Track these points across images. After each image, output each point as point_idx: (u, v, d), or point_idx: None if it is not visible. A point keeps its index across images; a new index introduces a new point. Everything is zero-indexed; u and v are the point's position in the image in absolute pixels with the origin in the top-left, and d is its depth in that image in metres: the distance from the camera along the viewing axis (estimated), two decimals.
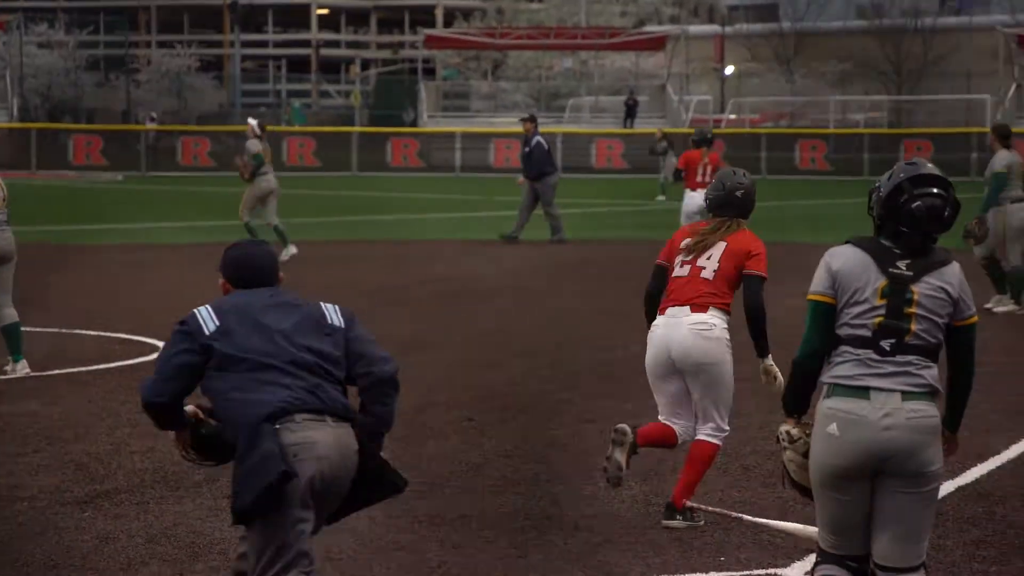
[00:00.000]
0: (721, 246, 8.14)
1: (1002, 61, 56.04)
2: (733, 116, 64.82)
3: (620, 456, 8.10)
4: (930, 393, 5.57)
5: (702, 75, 77.25)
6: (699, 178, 18.73)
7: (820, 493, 5.70)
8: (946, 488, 8.64)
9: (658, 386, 8.34)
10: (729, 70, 74.47)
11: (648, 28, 73.69)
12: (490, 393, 11.68)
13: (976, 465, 9.33)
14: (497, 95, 63.61)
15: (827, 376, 5.67)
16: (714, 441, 8.26)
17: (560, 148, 51.03)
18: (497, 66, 68.48)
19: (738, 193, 8.30)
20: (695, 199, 18.58)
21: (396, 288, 18.95)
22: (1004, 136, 16.11)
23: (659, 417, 8.36)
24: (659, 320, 8.23)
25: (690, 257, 8.16)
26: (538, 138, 25.51)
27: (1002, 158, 15.87)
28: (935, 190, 5.62)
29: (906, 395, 5.52)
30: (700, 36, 77.66)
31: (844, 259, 5.67)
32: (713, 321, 8.10)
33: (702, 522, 8.05)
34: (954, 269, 5.66)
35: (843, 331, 5.63)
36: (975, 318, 5.72)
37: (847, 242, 5.75)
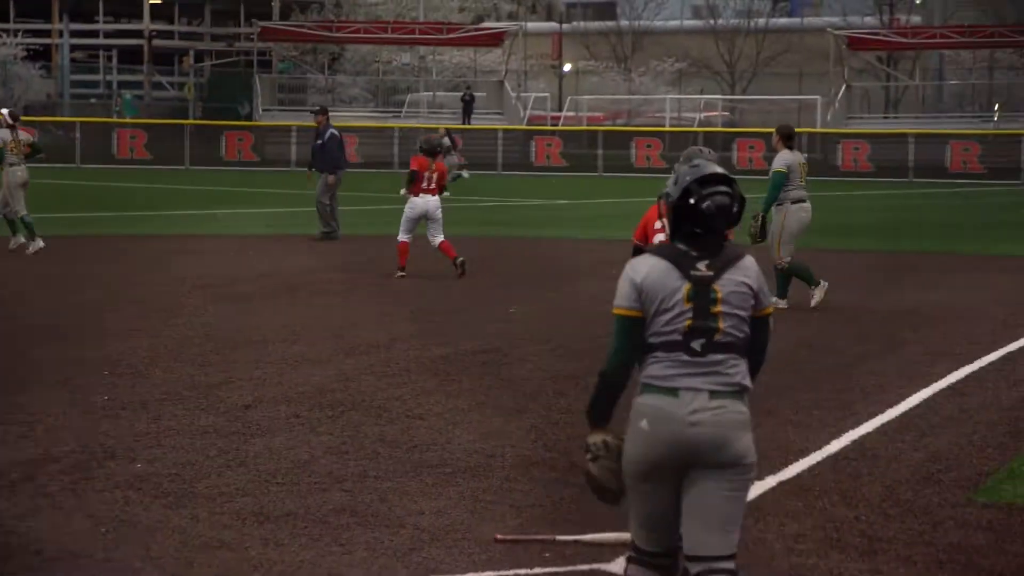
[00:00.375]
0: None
1: (832, 62, 57.11)
2: (571, 113, 65.20)
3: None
4: (738, 391, 5.70)
5: (540, 72, 77.63)
6: (424, 184, 18.90)
7: (634, 487, 5.80)
8: (766, 483, 8.78)
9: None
10: (567, 67, 74.93)
11: (486, 24, 73.75)
12: (319, 390, 11.58)
13: (797, 460, 9.47)
14: (334, 89, 63.19)
15: (641, 376, 5.77)
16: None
17: (397, 143, 50.93)
18: (334, 60, 68.00)
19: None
20: (418, 204, 18.86)
21: (224, 282, 18.70)
22: (787, 136, 16.47)
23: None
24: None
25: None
26: (332, 131, 25.43)
27: (783, 158, 16.23)
28: (722, 188, 5.77)
29: (714, 394, 5.66)
30: (538, 33, 77.98)
31: (646, 270, 5.76)
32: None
33: None
34: (750, 262, 5.81)
35: (655, 339, 5.72)
36: (771, 308, 5.91)
37: (645, 253, 5.85)
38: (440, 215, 18.98)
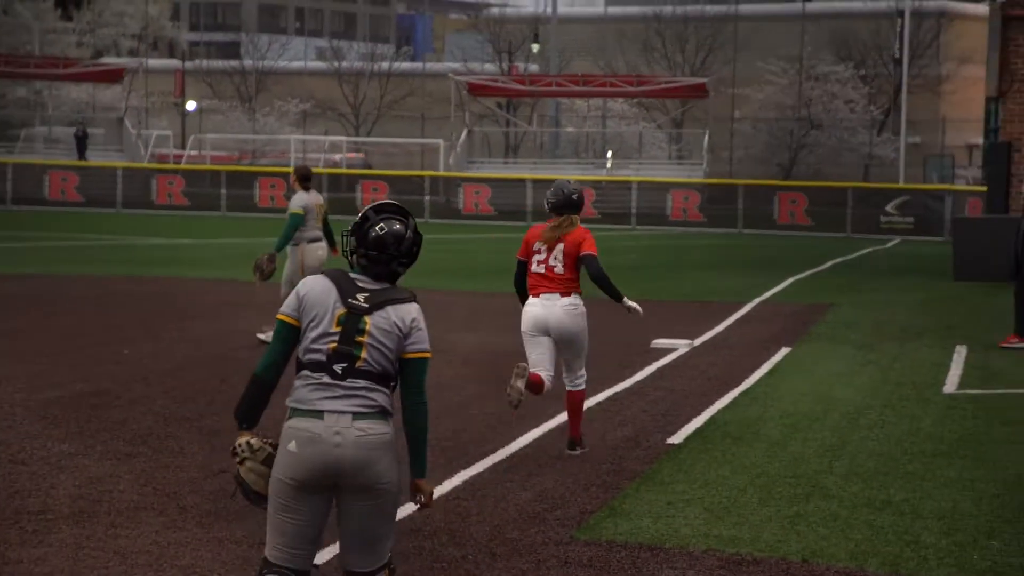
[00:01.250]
0: (560, 247, 11.04)
1: (454, 107, 58.12)
2: (194, 152, 64.29)
3: (521, 384, 10.64)
4: (380, 413, 6.00)
5: (163, 110, 76.38)
6: None
7: (278, 506, 6.02)
8: None
9: (533, 345, 11.27)
10: (191, 106, 73.93)
11: (105, 60, 72.11)
12: None
13: (407, 502, 9.51)
14: None
15: (290, 400, 6.05)
16: (581, 388, 11.37)
17: (10, 179, 49.17)
18: None
19: (574, 196, 11.19)
20: None
21: None
22: (304, 178, 16.95)
23: (532, 368, 11.06)
24: (535, 301, 11.16)
25: (543, 258, 11.11)
26: None
27: (299, 199, 16.67)
28: (397, 216, 6.23)
29: (356, 415, 5.95)
30: (161, 70, 76.76)
31: (312, 286, 6.15)
32: (577, 302, 11.18)
33: (587, 449, 11.22)
34: (411, 308, 6.14)
35: (305, 356, 6.06)
36: (426, 355, 6.16)
37: (322, 273, 6.20)
38: None
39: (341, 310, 6.05)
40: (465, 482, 10.16)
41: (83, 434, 11.40)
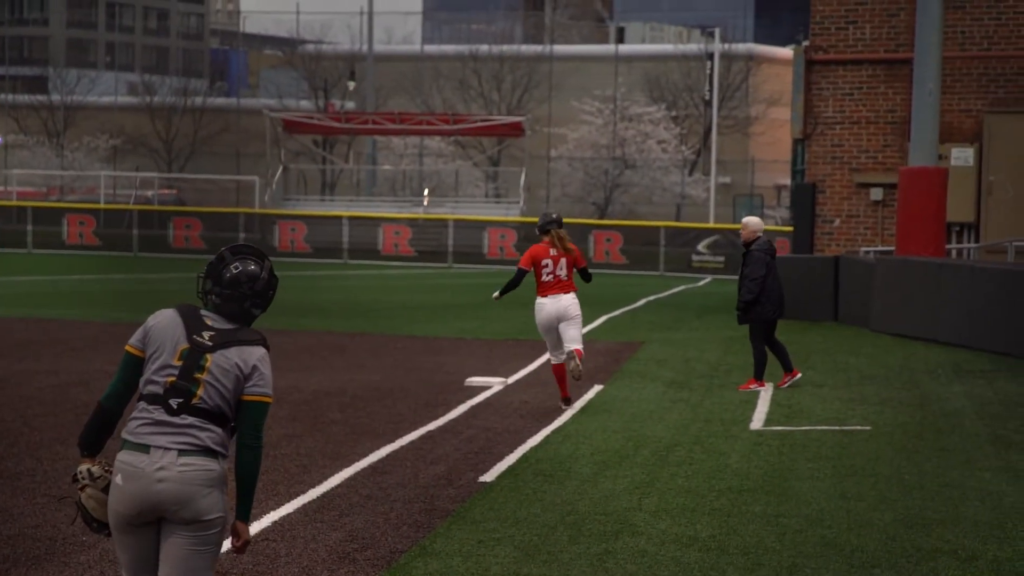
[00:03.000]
0: (564, 261, 15.47)
1: (269, 143, 57.72)
2: (0, 188, 62.85)
3: (575, 364, 15.35)
4: (205, 450, 6.03)
5: None
6: None
7: (116, 538, 6.13)
8: None
9: (550, 334, 15.56)
10: None
11: None
12: None
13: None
14: None
15: (124, 431, 6.12)
16: (580, 347, 15.52)
17: None
18: None
19: (555, 216, 15.87)
20: None
21: None
22: None
23: (549, 353, 15.79)
24: (544, 300, 15.47)
25: (551, 269, 15.45)
26: None
27: None
28: (252, 257, 6.35)
29: (182, 452, 5.99)
30: None
31: (160, 319, 6.21)
32: (576, 298, 15.65)
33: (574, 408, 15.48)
34: (257, 351, 6.22)
35: (145, 387, 6.12)
36: (266, 399, 6.19)
37: (172, 308, 6.27)
38: None
39: (184, 345, 6.11)
40: (274, 523, 10.04)
41: None
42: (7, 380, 16.69)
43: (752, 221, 17.68)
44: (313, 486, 11.32)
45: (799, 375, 17.85)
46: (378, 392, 16.80)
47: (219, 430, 6.07)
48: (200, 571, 6.06)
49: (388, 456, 12.71)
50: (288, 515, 10.30)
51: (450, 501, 10.92)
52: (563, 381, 15.72)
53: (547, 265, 15.43)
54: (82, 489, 6.20)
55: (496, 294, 16.03)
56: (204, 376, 6.07)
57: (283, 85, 76.20)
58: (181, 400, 6.04)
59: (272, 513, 10.32)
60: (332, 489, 11.26)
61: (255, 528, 9.85)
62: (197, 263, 41.23)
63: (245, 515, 6.22)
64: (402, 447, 13.16)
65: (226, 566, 8.80)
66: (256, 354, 6.19)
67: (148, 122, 74.69)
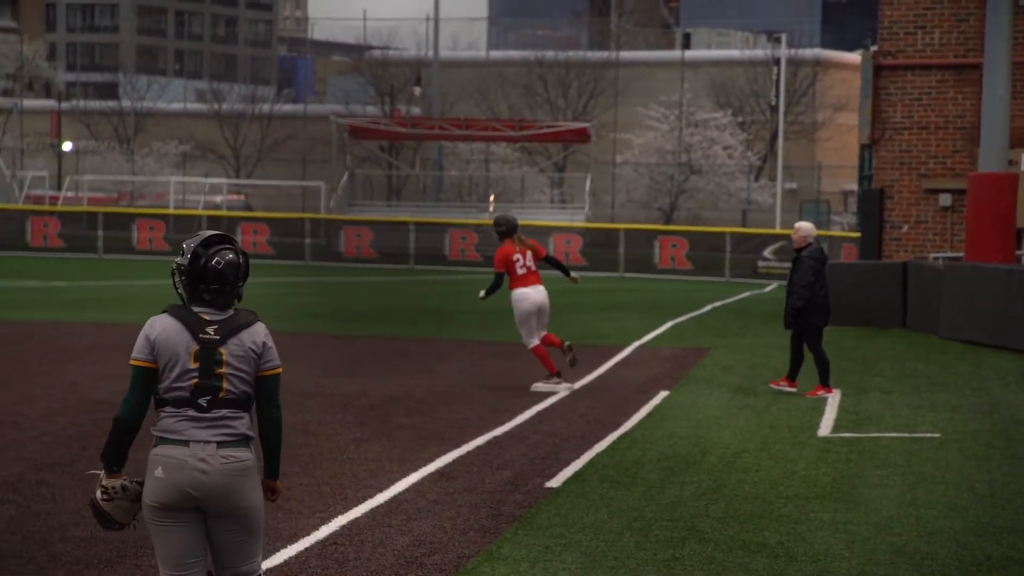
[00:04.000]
0: (529, 253, 17.62)
1: (335, 149, 57.99)
2: (71, 193, 63.51)
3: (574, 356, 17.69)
4: (241, 439, 6.31)
5: (38, 150, 75.38)
6: None
7: (157, 531, 6.28)
8: None
9: (530, 320, 17.55)
10: (67, 146, 73.07)
11: None
12: None
13: (286, 547, 9.45)
14: None
15: (155, 429, 6.29)
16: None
17: None
18: None
19: (514, 220, 18.03)
20: None
21: None
22: None
23: (525, 339, 17.73)
24: (528, 290, 17.50)
25: (523, 262, 17.49)
26: None
27: None
28: (227, 246, 6.43)
29: (221, 444, 6.24)
30: (36, 111, 75.85)
31: (160, 328, 6.33)
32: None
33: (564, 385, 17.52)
34: (261, 329, 6.44)
35: (167, 394, 6.26)
36: (278, 370, 6.48)
37: (165, 311, 6.39)
38: None
39: (195, 347, 6.27)
40: (342, 527, 10.09)
41: None
42: (78, 384, 16.87)
43: (803, 226, 17.56)
44: (381, 490, 11.36)
45: (795, 389, 17.59)
46: (444, 397, 16.84)
47: (246, 415, 6.36)
48: (253, 556, 6.40)
49: (455, 461, 12.74)
50: (356, 519, 10.35)
51: (517, 506, 10.93)
52: (548, 359, 17.56)
53: (518, 260, 17.54)
54: (110, 500, 6.40)
55: (482, 294, 17.95)
56: (224, 369, 6.28)
57: (350, 91, 76.55)
58: (209, 397, 6.26)
59: (340, 517, 10.37)
60: (400, 494, 11.30)
61: (324, 531, 9.91)
62: (264, 268, 41.53)
63: (276, 474, 6.59)
64: (468, 452, 13.19)
65: (295, 569, 8.86)
66: (261, 331, 6.43)
67: (217, 128, 75.28)
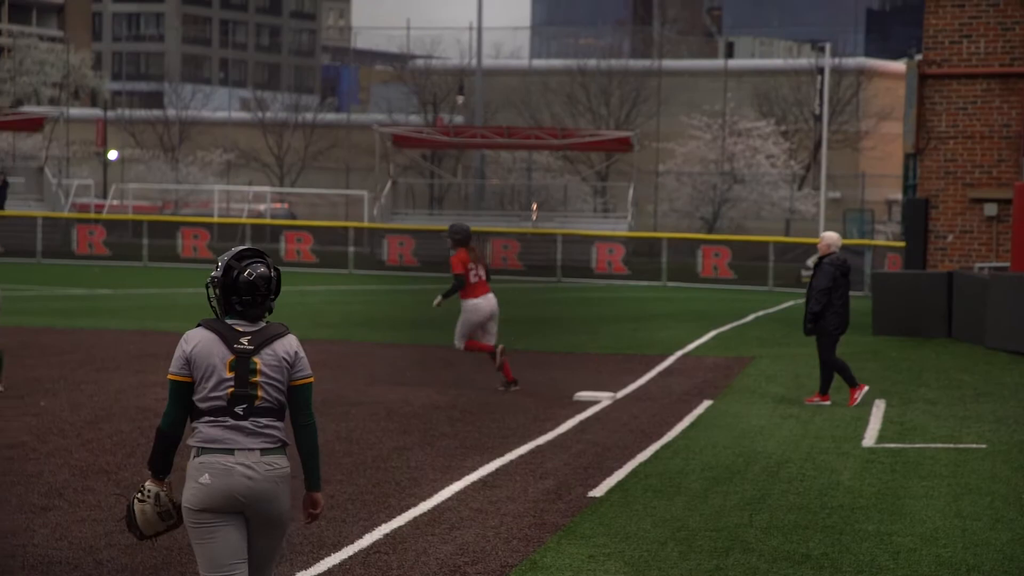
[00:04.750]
0: (480, 264, 18.06)
1: (379, 158, 58.13)
2: (116, 202, 63.87)
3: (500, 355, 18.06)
4: (282, 447, 6.53)
5: (84, 159, 75.85)
6: None
7: (197, 534, 6.44)
8: None
9: (478, 328, 18.12)
10: (113, 155, 73.50)
11: (25, 108, 71.56)
12: None
13: (329, 555, 9.47)
14: None
15: (196, 441, 6.47)
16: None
17: None
18: None
19: (468, 229, 18.39)
20: None
21: None
22: None
23: (485, 339, 18.22)
24: (479, 300, 18.04)
25: (476, 270, 17.96)
26: None
27: None
28: (259, 260, 6.63)
29: (264, 451, 6.45)
30: (82, 119, 76.32)
31: (196, 342, 6.54)
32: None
33: (518, 387, 18.18)
34: (291, 340, 6.64)
35: (204, 404, 6.46)
36: (311, 379, 6.67)
37: (199, 325, 6.58)
38: None
39: (230, 357, 6.48)
40: (385, 535, 10.10)
41: None
42: (124, 392, 16.95)
43: (828, 235, 17.83)
44: (424, 499, 11.38)
45: (828, 402, 17.52)
46: (487, 406, 16.84)
47: (281, 423, 6.55)
48: (273, 560, 6.62)
49: (498, 470, 12.74)
50: (399, 528, 10.37)
51: (560, 515, 10.93)
52: (481, 344, 18.26)
53: (472, 268, 18.03)
54: (142, 501, 6.61)
55: (438, 300, 18.49)
56: (258, 379, 6.48)
57: (393, 100, 76.70)
58: (245, 406, 6.46)
59: (383, 525, 10.39)
60: (443, 502, 11.31)
61: (367, 539, 9.93)
62: (307, 276, 41.65)
63: (318, 485, 6.73)
64: (511, 461, 13.19)
65: None
66: (293, 343, 6.61)
67: (260, 137, 75.56)
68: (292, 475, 6.62)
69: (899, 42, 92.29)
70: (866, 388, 17.52)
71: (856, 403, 17.21)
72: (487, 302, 18.08)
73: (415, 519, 10.68)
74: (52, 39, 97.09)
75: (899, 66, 62.15)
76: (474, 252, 18.08)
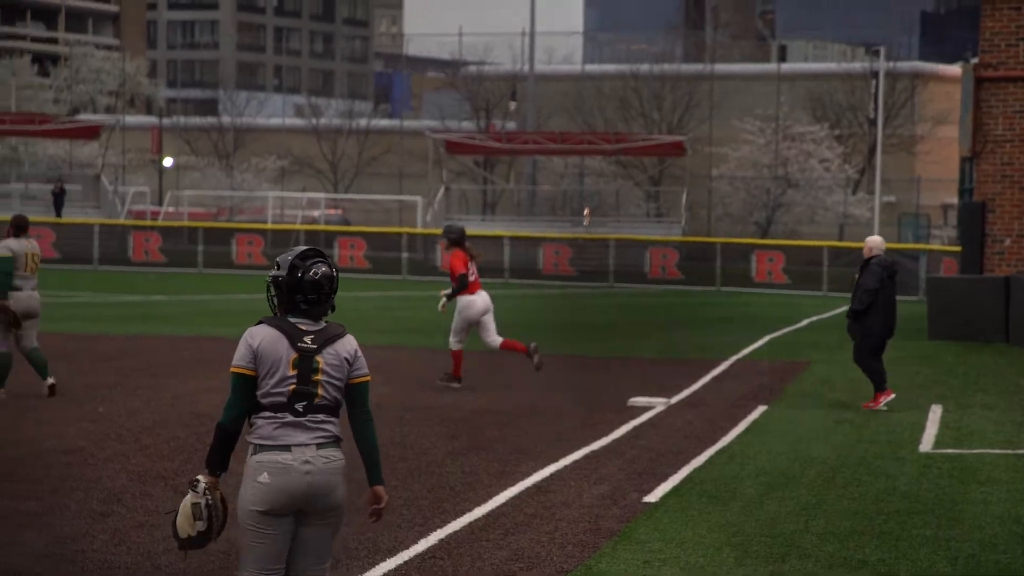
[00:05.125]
0: (474, 264, 18.51)
1: (431, 164, 58.25)
2: (171, 208, 64.29)
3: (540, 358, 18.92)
4: (335, 440, 6.64)
5: (139, 166, 76.38)
6: None
7: (252, 533, 6.54)
8: None
9: (472, 325, 18.62)
10: (168, 162, 73.99)
11: (82, 116, 72.16)
12: None
13: (385, 560, 9.49)
14: None
15: (252, 437, 6.58)
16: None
17: None
18: None
19: (463, 228, 19.03)
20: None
21: None
22: (18, 227, 16.69)
23: (454, 340, 18.80)
24: (474, 297, 18.52)
25: (474, 269, 18.51)
26: None
27: (7, 244, 16.49)
28: (321, 259, 6.75)
29: (320, 445, 6.57)
30: (137, 127, 76.86)
31: (261, 337, 6.65)
32: None
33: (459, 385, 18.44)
34: (350, 340, 6.76)
35: (265, 399, 6.58)
36: (368, 378, 6.79)
37: (260, 322, 6.69)
38: None
39: (294, 355, 6.59)
40: (441, 541, 10.12)
41: (56, 492, 11.33)
42: (180, 397, 17.05)
43: (871, 240, 18.17)
44: (478, 504, 11.39)
45: (892, 395, 17.40)
46: (534, 410, 16.84)
47: (336, 419, 6.65)
48: (328, 553, 6.70)
49: (552, 475, 12.74)
50: (454, 533, 10.38)
51: (615, 521, 10.91)
52: (459, 365, 18.70)
53: (470, 267, 18.58)
54: (195, 494, 6.69)
55: (443, 304, 18.99)
56: (320, 377, 6.60)
57: (445, 106, 76.82)
58: (305, 403, 6.57)
59: (439, 531, 10.40)
60: (497, 507, 11.31)
61: (423, 545, 9.95)
62: (361, 282, 41.77)
63: (381, 479, 6.81)
64: (565, 466, 13.18)
65: None
66: (352, 343, 6.74)
67: (314, 144, 75.87)
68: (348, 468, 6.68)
69: (954, 46, 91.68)
70: (893, 395, 17.33)
71: (880, 406, 17.08)
72: (481, 299, 18.66)
73: (470, 524, 10.69)
74: (108, 47, 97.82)
75: (954, 69, 61.75)
76: (469, 251, 18.63)
